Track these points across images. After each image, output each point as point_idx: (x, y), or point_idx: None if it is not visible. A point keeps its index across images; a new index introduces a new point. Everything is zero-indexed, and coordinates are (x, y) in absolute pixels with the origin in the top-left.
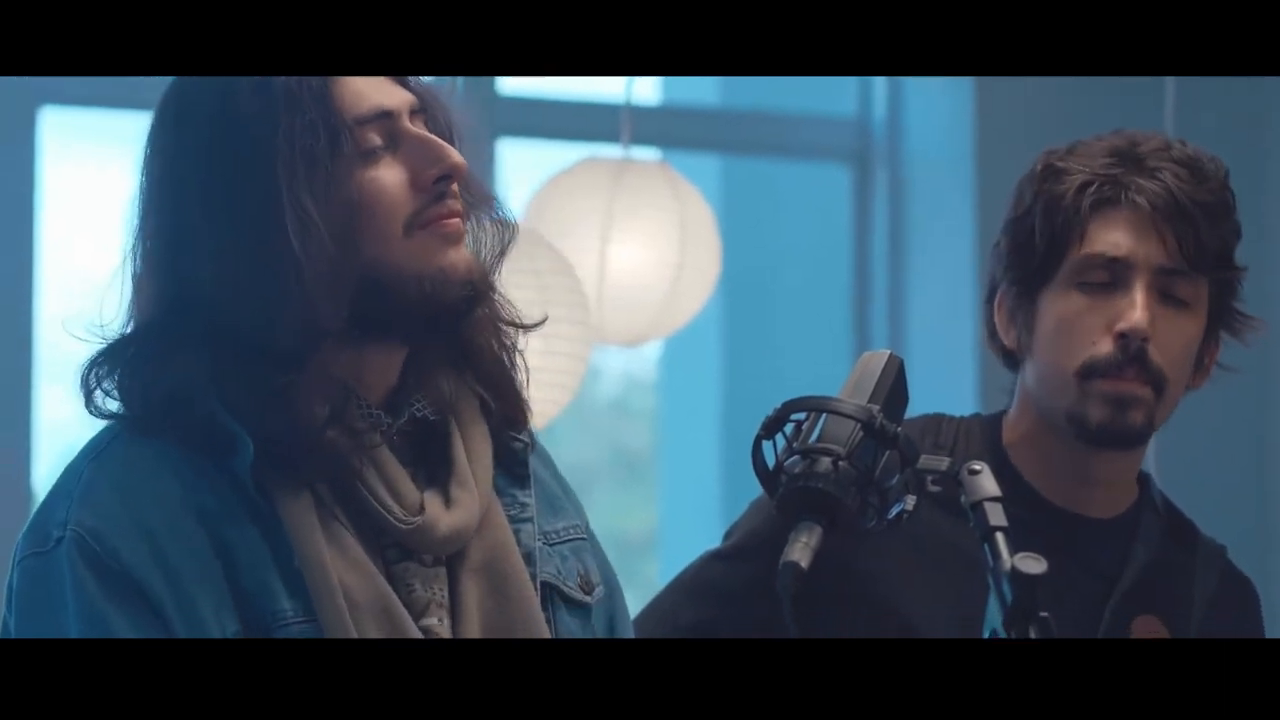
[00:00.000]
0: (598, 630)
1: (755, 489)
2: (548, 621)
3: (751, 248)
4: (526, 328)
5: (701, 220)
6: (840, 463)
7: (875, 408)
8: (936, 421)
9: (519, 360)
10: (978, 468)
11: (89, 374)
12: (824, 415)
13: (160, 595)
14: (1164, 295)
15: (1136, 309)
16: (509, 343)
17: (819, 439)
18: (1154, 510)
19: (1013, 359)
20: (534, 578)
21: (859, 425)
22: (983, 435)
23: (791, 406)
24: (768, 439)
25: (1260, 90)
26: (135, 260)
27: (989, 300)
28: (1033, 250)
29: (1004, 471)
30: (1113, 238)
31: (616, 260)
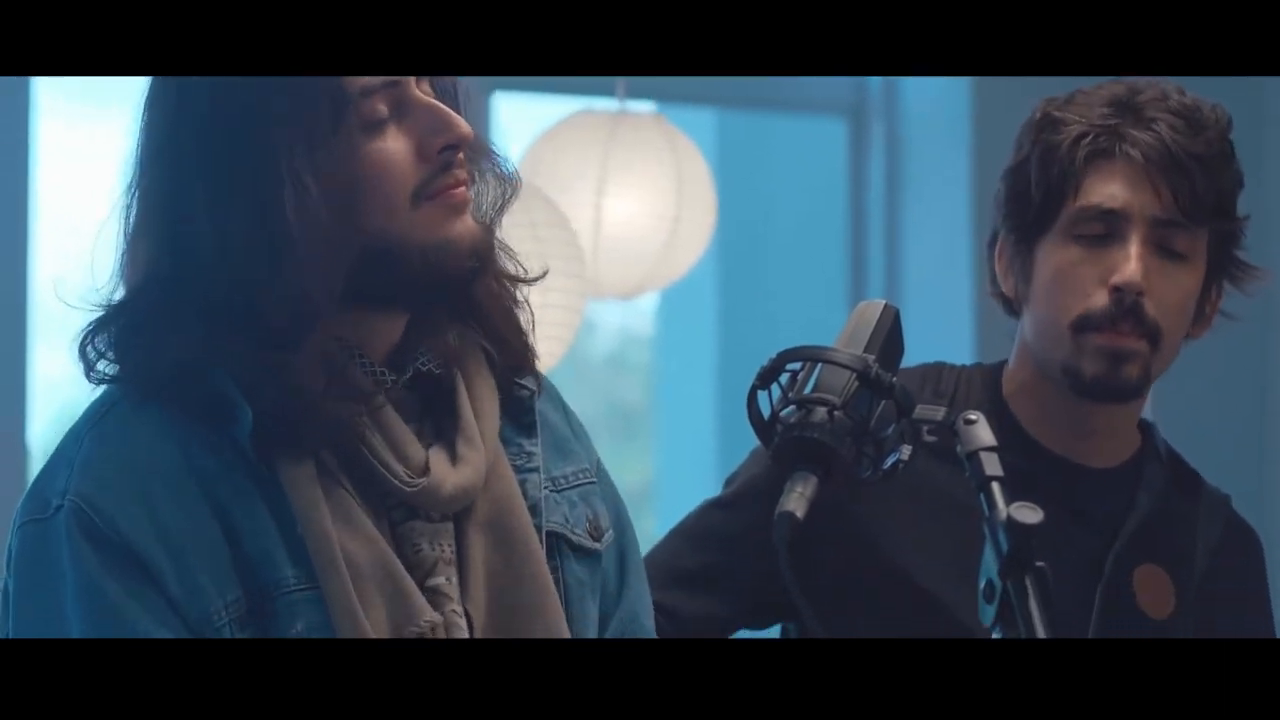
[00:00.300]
0: (608, 573)
1: (751, 442)
2: (556, 571)
3: (747, 201)
4: (528, 282)
5: (697, 173)
6: (835, 413)
7: (871, 358)
8: (937, 370)
9: (525, 309)
10: (973, 417)
11: (87, 343)
12: (819, 365)
13: (159, 565)
14: (1160, 248)
15: (1131, 262)
16: (512, 293)
17: (814, 389)
18: (1157, 459)
19: (1012, 307)
20: (539, 529)
21: (854, 375)
22: (983, 384)
23: (787, 356)
24: (763, 389)
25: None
26: (129, 223)
27: (990, 246)
28: (1029, 200)
29: (1004, 421)
30: (1108, 189)
31: (612, 213)
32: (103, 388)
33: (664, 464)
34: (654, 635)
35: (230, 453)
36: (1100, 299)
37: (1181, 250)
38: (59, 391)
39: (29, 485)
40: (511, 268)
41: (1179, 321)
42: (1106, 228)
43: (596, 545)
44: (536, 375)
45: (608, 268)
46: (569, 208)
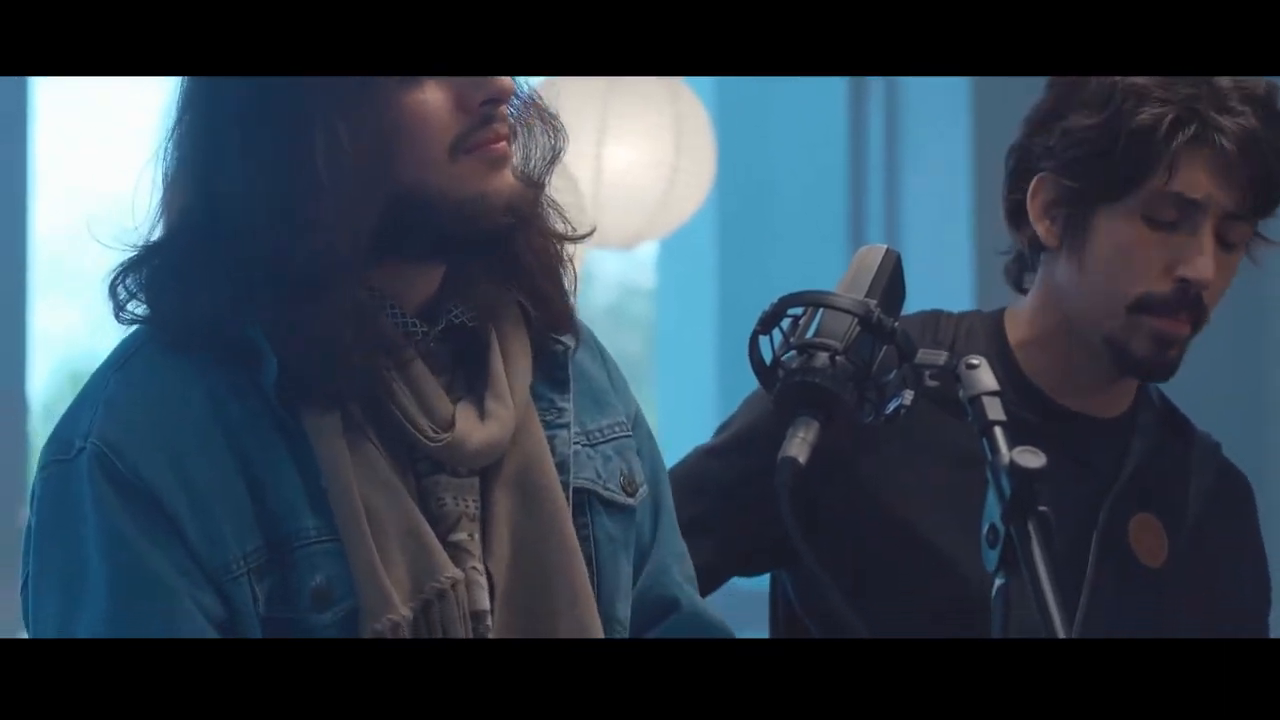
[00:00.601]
0: (642, 527)
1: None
2: (586, 528)
3: (747, 149)
4: (574, 239)
5: (697, 122)
6: (837, 358)
7: (873, 302)
8: (935, 318)
9: (569, 268)
10: (975, 362)
11: (117, 284)
12: (821, 310)
13: (179, 512)
14: (1221, 239)
15: (1205, 257)
16: (557, 250)
17: (816, 334)
18: (1151, 408)
19: (1036, 249)
20: (566, 486)
21: (856, 320)
22: (985, 331)
23: (788, 301)
24: (764, 334)
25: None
26: (166, 168)
27: (1015, 175)
28: (1101, 168)
29: (1007, 368)
30: (1194, 178)
31: (612, 162)
32: (128, 331)
33: (665, 416)
34: (684, 588)
35: (256, 401)
36: (1164, 285)
37: (1235, 240)
38: (59, 346)
39: (53, 427)
40: (559, 225)
41: (1217, 302)
42: (1180, 215)
43: (630, 500)
44: (576, 327)
45: (608, 216)
46: (569, 156)
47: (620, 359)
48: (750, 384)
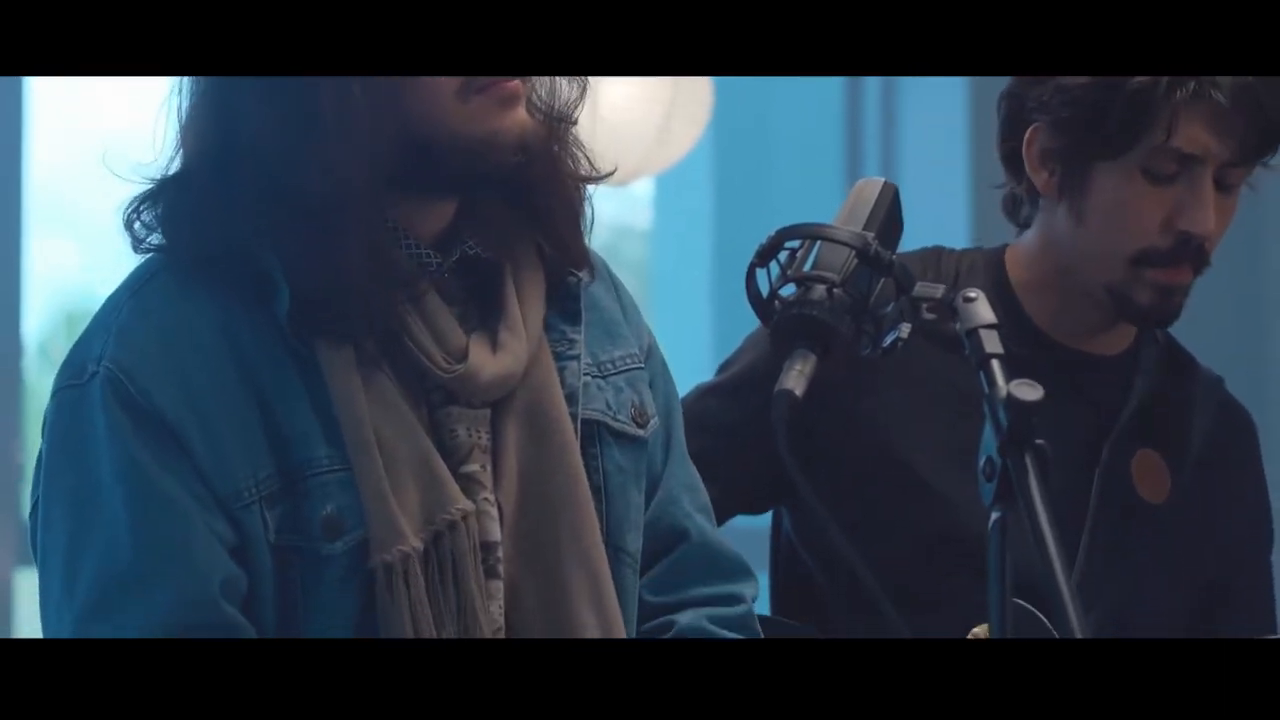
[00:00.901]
0: (654, 458)
1: (746, 335)
2: (595, 459)
3: (743, 87)
4: (593, 180)
5: None
6: (835, 290)
7: (870, 235)
8: (936, 254)
9: (587, 209)
10: (973, 294)
11: (134, 213)
12: (818, 242)
13: (191, 439)
14: (1219, 184)
15: (1205, 210)
16: (577, 191)
17: (813, 266)
18: (1154, 344)
19: (1035, 196)
20: (575, 417)
21: (854, 252)
22: (986, 269)
23: (785, 234)
24: (761, 267)
25: None
26: (184, 104)
27: (1009, 123)
28: (1098, 126)
29: (1008, 307)
30: (1192, 133)
31: (608, 97)
32: (143, 259)
33: None
34: (694, 518)
35: (270, 331)
36: (1165, 239)
37: (1234, 183)
38: (54, 286)
39: (68, 350)
40: (581, 166)
41: (1218, 243)
42: (1180, 168)
43: (640, 432)
44: (591, 261)
45: (604, 152)
46: None
47: (629, 293)
48: (744, 327)
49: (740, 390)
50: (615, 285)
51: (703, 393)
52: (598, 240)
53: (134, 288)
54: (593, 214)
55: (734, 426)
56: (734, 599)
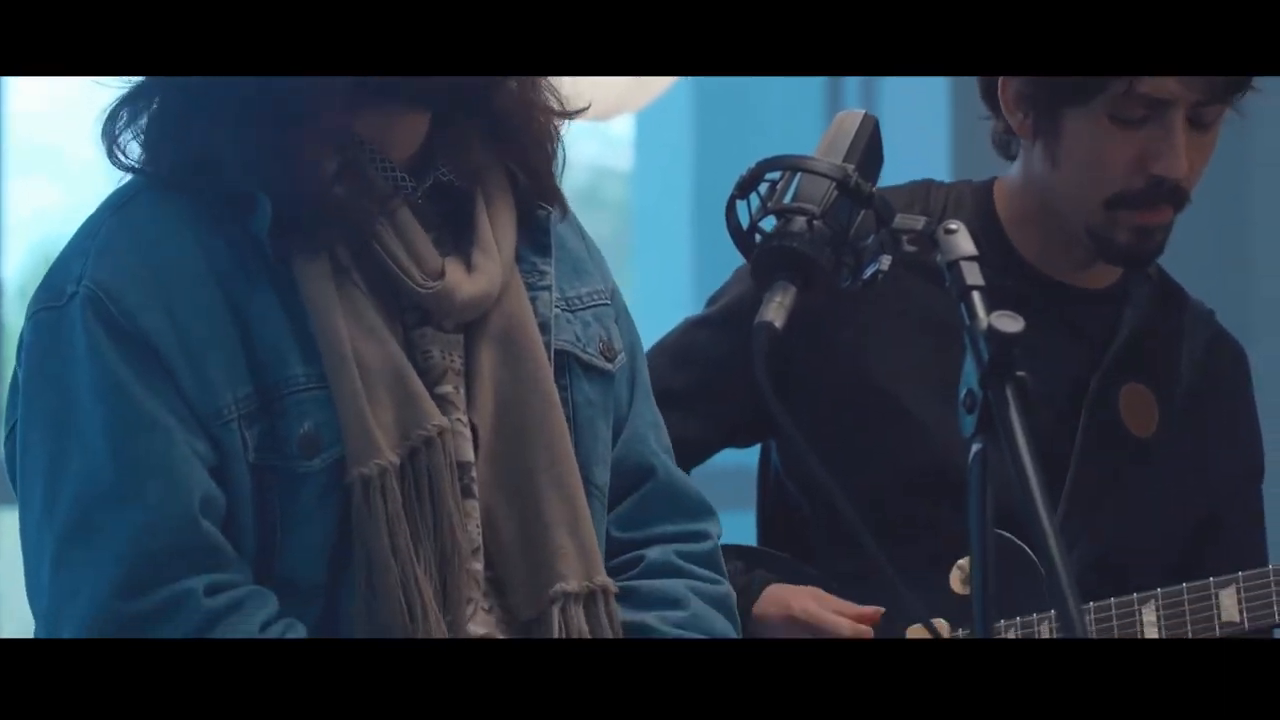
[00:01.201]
0: (619, 395)
1: (727, 274)
2: (565, 390)
3: None
4: (566, 115)
5: None
6: (815, 222)
7: (850, 167)
8: (925, 187)
9: (559, 147)
10: (954, 226)
11: (111, 122)
12: (798, 174)
13: (172, 356)
14: (1193, 123)
15: (1176, 153)
16: (549, 127)
17: (793, 198)
18: (1143, 276)
19: (1014, 134)
20: (548, 346)
21: (834, 184)
22: (974, 203)
23: (766, 165)
24: (742, 199)
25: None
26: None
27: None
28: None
29: (996, 240)
30: (1159, 80)
31: None
32: (124, 179)
33: (639, 300)
34: (660, 456)
35: (248, 249)
36: (1137, 181)
37: (1210, 120)
38: (35, 227)
39: (45, 274)
40: (553, 102)
41: (1199, 180)
42: (1149, 111)
43: (608, 366)
44: (562, 201)
45: (584, 87)
46: None
47: (595, 242)
48: (726, 268)
49: (729, 322)
50: (582, 233)
51: (691, 325)
52: (578, 180)
53: (113, 208)
54: (564, 155)
55: (723, 358)
56: (701, 535)
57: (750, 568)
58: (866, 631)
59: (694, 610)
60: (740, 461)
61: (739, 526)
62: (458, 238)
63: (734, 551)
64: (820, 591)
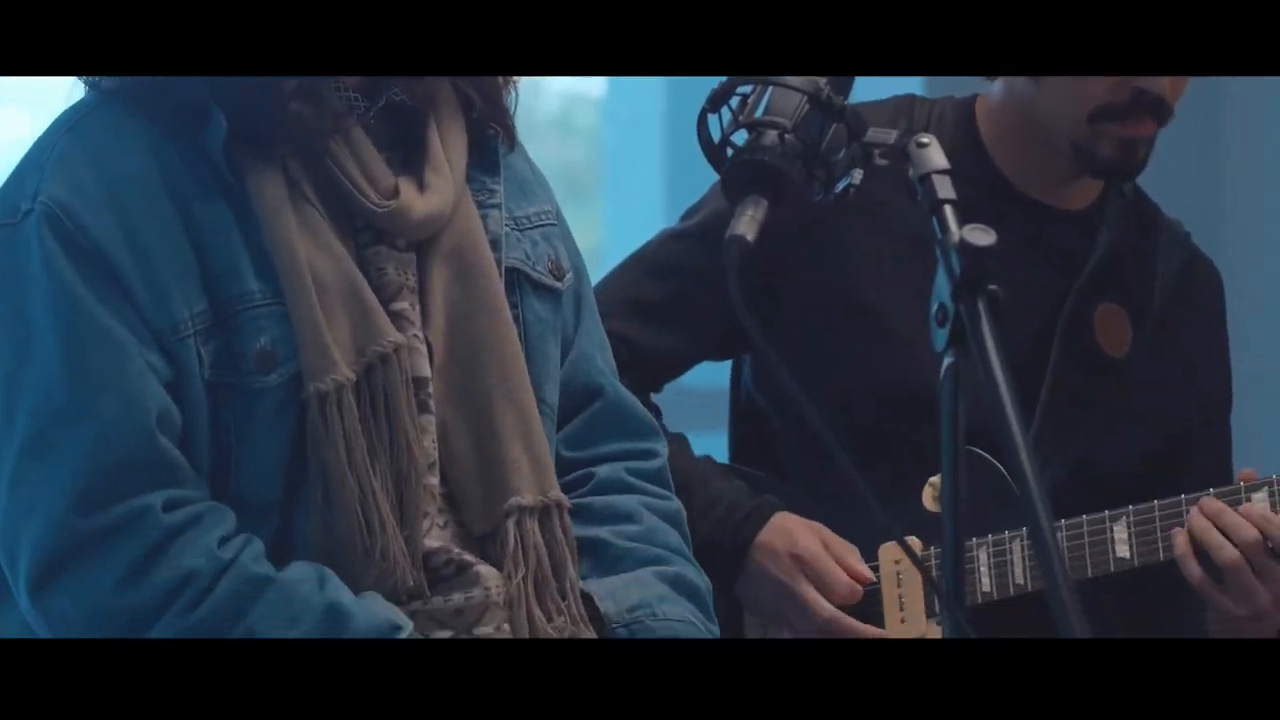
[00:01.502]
0: (566, 315)
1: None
2: (516, 307)
3: None
4: None
5: None
6: (786, 136)
7: (822, 80)
8: (909, 102)
9: (513, 87)
10: (925, 140)
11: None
12: (770, 88)
13: (129, 271)
14: None
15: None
16: None
17: (765, 112)
18: (1120, 197)
19: None
20: (500, 263)
21: (805, 98)
22: (955, 119)
23: (737, 80)
24: (713, 113)
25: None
26: None
27: None
28: None
29: (977, 158)
30: None
31: None
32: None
33: (611, 228)
34: (607, 375)
35: (202, 165)
36: (1121, 94)
37: None
38: (6, 157)
39: None
40: None
41: (1181, 93)
42: None
43: (557, 284)
44: (511, 127)
45: None
46: None
47: (566, 169)
48: (698, 194)
49: (707, 235)
50: (529, 160)
51: (668, 237)
52: (550, 107)
53: (67, 124)
54: (516, 95)
55: (702, 270)
56: (650, 453)
57: (756, 491)
58: (857, 592)
59: (647, 525)
60: (712, 381)
61: (711, 446)
62: (409, 157)
63: (727, 470)
64: (827, 532)
